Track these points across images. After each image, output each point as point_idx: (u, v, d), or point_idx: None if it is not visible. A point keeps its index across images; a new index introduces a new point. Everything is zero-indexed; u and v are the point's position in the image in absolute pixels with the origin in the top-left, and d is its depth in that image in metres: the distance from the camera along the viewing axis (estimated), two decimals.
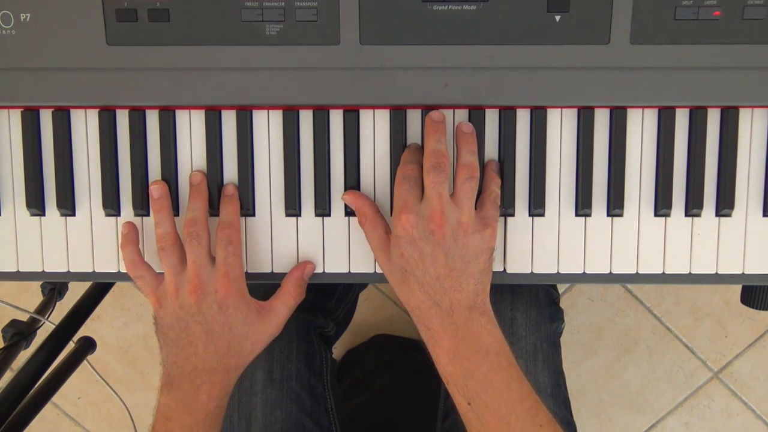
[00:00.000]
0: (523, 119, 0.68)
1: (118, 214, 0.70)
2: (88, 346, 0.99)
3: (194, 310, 0.64)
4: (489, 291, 0.64)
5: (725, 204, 0.67)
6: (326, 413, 0.87)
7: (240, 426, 0.81)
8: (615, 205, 0.68)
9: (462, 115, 0.68)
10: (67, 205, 0.69)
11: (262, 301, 0.69)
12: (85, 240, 0.70)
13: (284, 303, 0.69)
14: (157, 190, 0.67)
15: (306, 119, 0.68)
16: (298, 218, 0.69)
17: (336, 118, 0.68)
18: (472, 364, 0.62)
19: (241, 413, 0.81)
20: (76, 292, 0.99)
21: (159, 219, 0.67)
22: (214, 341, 0.65)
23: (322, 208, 0.69)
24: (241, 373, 0.69)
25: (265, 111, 0.68)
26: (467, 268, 0.62)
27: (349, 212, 0.69)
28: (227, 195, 0.68)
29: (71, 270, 0.70)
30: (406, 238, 0.62)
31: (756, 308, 0.74)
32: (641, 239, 0.69)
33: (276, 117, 0.68)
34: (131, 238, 0.68)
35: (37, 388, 0.86)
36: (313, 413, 0.84)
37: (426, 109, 0.67)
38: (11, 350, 0.88)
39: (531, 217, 0.69)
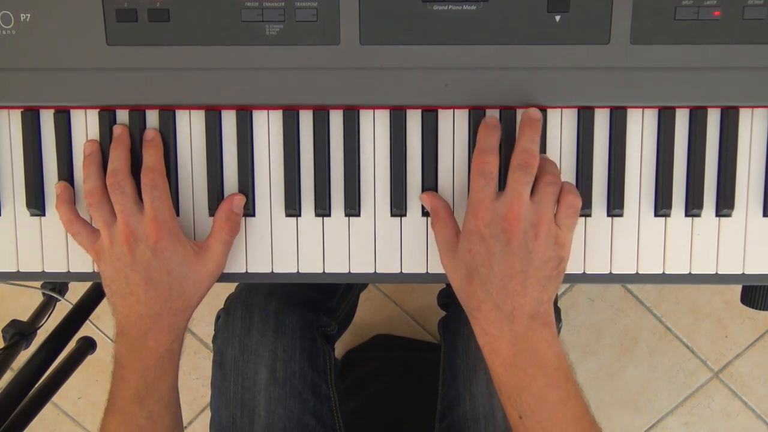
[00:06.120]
0: None
1: None
2: (88, 346, 0.99)
3: (129, 259, 0.65)
4: (554, 302, 0.63)
5: (725, 204, 0.67)
6: (330, 412, 0.87)
7: (243, 424, 0.81)
8: (615, 205, 0.68)
9: (462, 114, 0.68)
10: None
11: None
12: None
13: (218, 239, 0.68)
14: (89, 147, 0.68)
15: (306, 119, 0.68)
16: (298, 218, 0.69)
17: (336, 118, 0.68)
18: (529, 376, 0.60)
19: (244, 411, 0.81)
20: (76, 292, 0.99)
21: (87, 174, 0.67)
22: (154, 287, 0.65)
23: (322, 208, 0.69)
24: (190, 315, 0.69)
25: (265, 111, 0.68)
26: (533, 273, 0.60)
27: (348, 213, 0.69)
28: (148, 140, 0.68)
29: (71, 270, 0.70)
30: (477, 234, 0.61)
31: (756, 308, 0.74)
32: (641, 239, 0.68)
33: (276, 117, 0.68)
34: (65, 197, 0.69)
35: (37, 388, 0.87)
36: (317, 412, 0.84)
37: (426, 110, 0.67)
38: (11, 350, 0.88)
39: None
